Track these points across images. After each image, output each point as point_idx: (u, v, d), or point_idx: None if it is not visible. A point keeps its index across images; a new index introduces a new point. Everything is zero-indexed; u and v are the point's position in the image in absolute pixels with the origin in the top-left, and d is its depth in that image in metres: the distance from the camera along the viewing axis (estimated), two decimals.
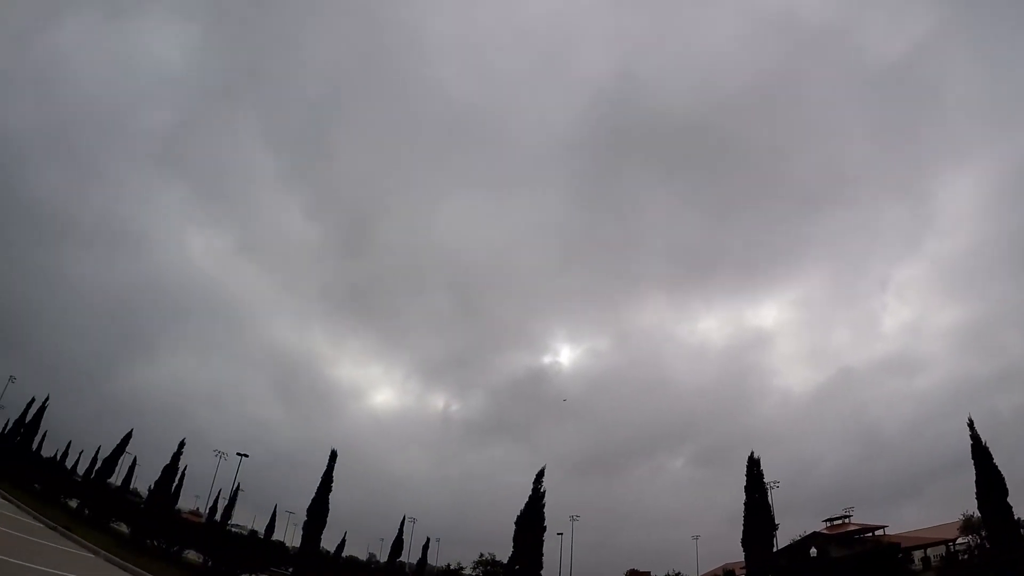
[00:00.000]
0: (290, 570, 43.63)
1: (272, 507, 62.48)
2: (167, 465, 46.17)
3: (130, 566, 28.17)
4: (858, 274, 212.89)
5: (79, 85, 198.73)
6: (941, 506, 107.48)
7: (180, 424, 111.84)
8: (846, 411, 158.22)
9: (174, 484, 46.69)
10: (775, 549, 35.04)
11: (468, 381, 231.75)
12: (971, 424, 30.11)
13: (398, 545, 55.42)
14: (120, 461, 54.37)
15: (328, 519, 39.62)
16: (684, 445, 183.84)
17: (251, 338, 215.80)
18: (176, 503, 50.22)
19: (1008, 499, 28.21)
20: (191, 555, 43.13)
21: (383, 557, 71.20)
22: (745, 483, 32.39)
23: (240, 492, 57.93)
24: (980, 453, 29.33)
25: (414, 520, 72.45)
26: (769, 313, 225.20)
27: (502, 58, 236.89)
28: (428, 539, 65.36)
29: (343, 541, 56.56)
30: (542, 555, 32.61)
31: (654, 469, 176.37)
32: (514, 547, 32.50)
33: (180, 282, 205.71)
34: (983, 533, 35.18)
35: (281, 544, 65.98)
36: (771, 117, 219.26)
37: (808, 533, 60.09)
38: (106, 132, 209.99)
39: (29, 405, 67.83)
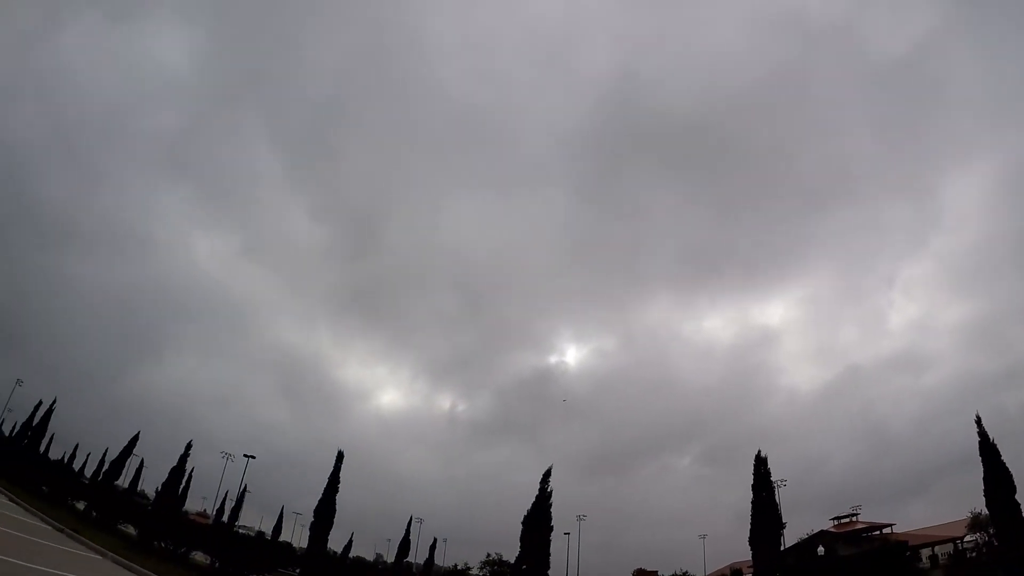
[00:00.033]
0: (297, 571, 43.79)
1: (279, 508, 62.49)
2: (174, 467, 46.27)
3: (138, 567, 28.27)
4: (864, 272, 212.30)
5: (82, 89, 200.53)
6: (949, 504, 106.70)
7: (187, 426, 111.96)
8: (853, 409, 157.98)
9: (181, 486, 46.70)
10: (782, 548, 35.04)
11: (474, 381, 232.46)
12: (978, 421, 29.92)
13: (405, 545, 55.44)
14: (127, 463, 54.50)
15: (335, 520, 39.62)
16: (691, 444, 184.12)
17: (257, 340, 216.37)
18: (183, 505, 50.20)
19: (1016, 496, 27.97)
20: (198, 556, 43.33)
21: (390, 557, 71.44)
22: (752, 482, 32.26)
23: (247, 493, 57.93)
24: (988, 450, 29.18)
25: (421, 520, 72.69)
26: (775, 311, 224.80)
27: (505, 58, 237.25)
28: (435, 539, 65.41)
29: (350, 542, 56.59)
30: (549, 555, 32.53)
31: (661, 468, 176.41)
32: (521, 547, 32.47)
33: (186, 284, 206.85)
34: (991, 530, 35.15)
35: (288, 545, 66.15)
36: (775, 115, 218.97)
37: (815, 531, 60.00)
38: (110, 135, 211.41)
39: (36, 408, 68.21)
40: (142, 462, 58.35)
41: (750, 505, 32.05)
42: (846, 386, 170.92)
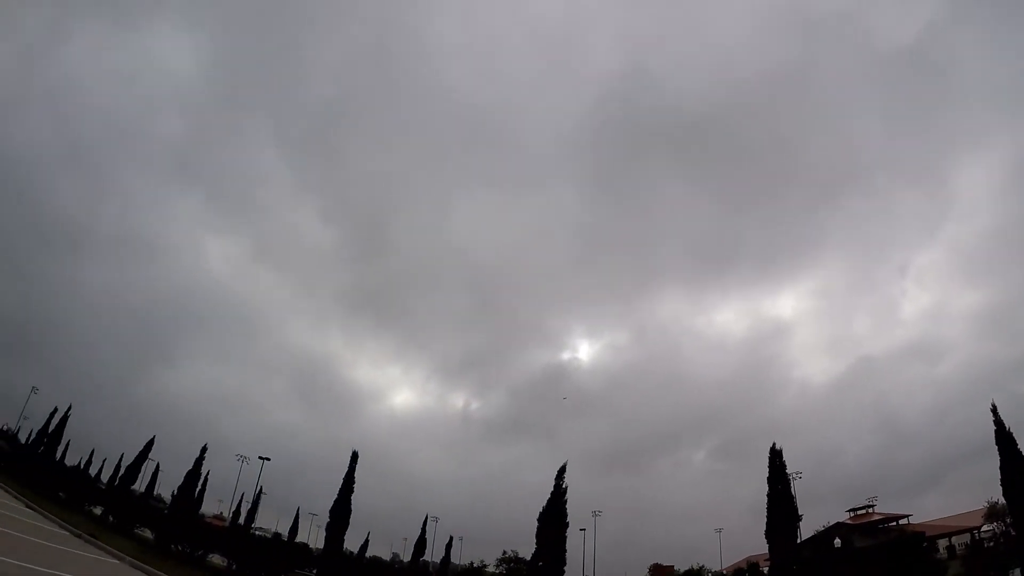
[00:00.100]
0: (314, 571, 44.05)
1: (295, 509, 62.73)
2: (190, 470, 46.52)
3: (155, 571, 28.56)
4: (876, 261, 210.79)
5: (89, 98, 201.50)
6: (965, 494, 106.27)
7: (202, 430, 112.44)
8: (867, 400, 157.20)
9: (197, 489, 46.92)
10: (799, 540, 34.92)
11: (488, 380, 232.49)
12: (994, 409, 29.67)
13: (421, 544, 55.50)
14: (143, 468, 54.90)
15: (351, 520, 39.80)
16: (705, 438, 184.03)
17: (269, 343, 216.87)
18: (199, 508, 50.48)
19: None
20: (216, 559, 43.64)
21: (407, 556, 71.39)
22: (768, 475, 32.22)
23: (263, 495, 58.19)
24: (1004, 439, 28.95)
25: (436, 519, 72.66)
26: (787, 303, 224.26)
27: (510, 57, 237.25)
28: (451, 538, 65.32)
29: (366, 541, 56.51)
30: (565, 551, 32.61)
31: (675, 463, 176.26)
32: (537, 544, 32.56)
33: (198, 289, 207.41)
34: (1008, 520, 34.89)
35: (305, 546, 66.37)
36: (782, 108, 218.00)
37: (832, 524, 59.76)
38: (118, 143, 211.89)
39: (52, 415, 68.79)
40: (158, 466, 58.71)
41: (766, 498, 31.99)
42: (859, 377, 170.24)
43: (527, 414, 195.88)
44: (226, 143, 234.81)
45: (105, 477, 66.61)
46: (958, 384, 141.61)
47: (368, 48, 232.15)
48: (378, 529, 65.05)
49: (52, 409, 69.56)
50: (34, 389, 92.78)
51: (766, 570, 41.38)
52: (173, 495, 47.94)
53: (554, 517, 32.52)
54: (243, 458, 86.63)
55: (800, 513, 32.62)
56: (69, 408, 67.37)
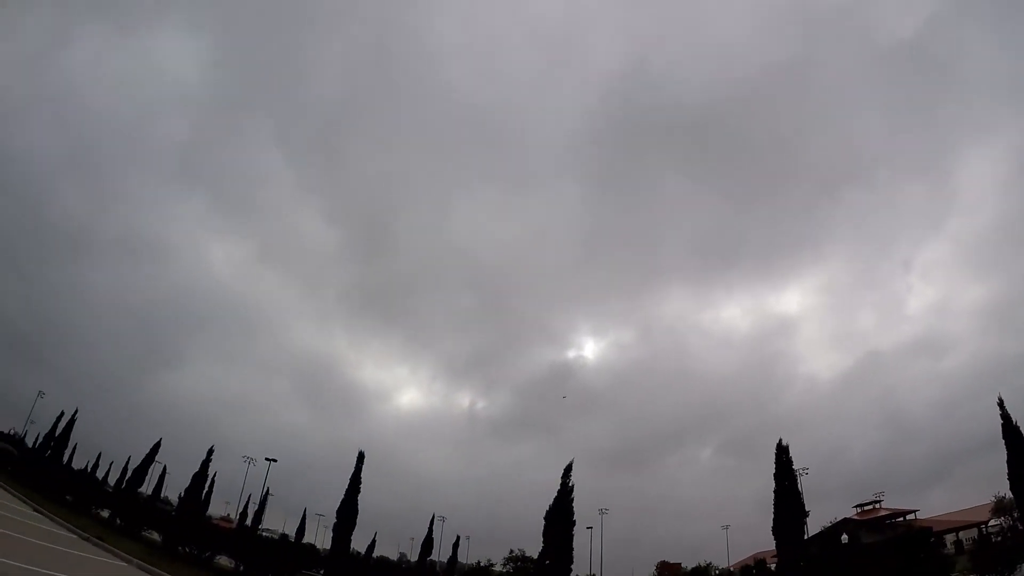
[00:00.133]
0: (321, 572, 44.06)
1: (302, 510, 62.86)
2: (196, 472, 46.59)
3: (162, 573, 28.63)
4: (881, 256, 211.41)
5: (93, 103, 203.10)
6: (972, 488, 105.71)
7: (208, 432, 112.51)
8: (873, 395, 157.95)
9: (204, 491, 47.03)
10: (806, 537, 34.83)
11: (493, 379, 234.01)
12: (1001, 403, 29.39)
13: (428, 544, 55.69)
14: (150, 470, 55.02)
15: (358, 520, 39.84)
16: (711, 435, 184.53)
17: (275, 344, 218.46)
18: (207, 510, 50.63)
19: None
20: (223, 560, 43.73)
21: (414, 556, 71.73)
22: (774, 471, 32.08)
23: (270, 496, 58.38)
24: (1011, 433, 28.71)
25: (443, 519, 72.95)
26: (793, 299, 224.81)
27: (511, 56, 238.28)
28: (458, 537, 65.53)
29: (373, 541, 56.68)
30: (572, 549, 32.55)
31: (682, 460, 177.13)
32: (544, 542, 32.51)
33: (202, 291, 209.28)
34: (1015, 514, 34.77)
35: (312, 547, 66.55)
36: (785, 103, 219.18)
37: (839, 520, 59.70)
38: (121, 146, 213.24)
39: (58, 419, 69.16)
40: (164, 468, 58.81)
41: (772, 495, 31.88)
42: (866, 372, 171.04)
43: (533, 413, 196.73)
44: (228, 145, 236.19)
45: (112, 480, 67.03)
46: (964, 378, 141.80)
47: (369, 48, 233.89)
48: (385, 529, 65.45)
49: (59, 413, 70.05)
50: (40, 393, 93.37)
51: (773, 567, 41.26)
52: (180, 497, 48.06)
53: (561, 515, 32.49)
54: (249, 459, 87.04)
55: (807, 509, 32.52)
56: (75, 412, 67.73)
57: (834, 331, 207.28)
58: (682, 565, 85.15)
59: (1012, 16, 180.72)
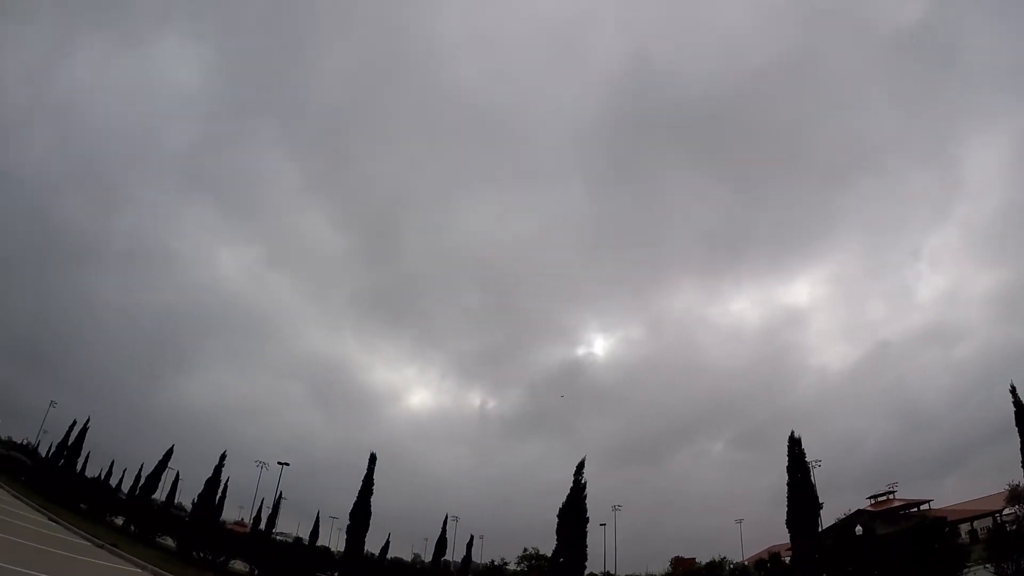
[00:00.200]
0: (336, 574, 44.14)
1: (315, 513, 63.02)
2: (210, 478, 46.82)
3: None
4: (889, 245, 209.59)
5: (97, 111, 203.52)
6: (986, 477, 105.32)
7: (220, 437, 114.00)
8: (885, 385, 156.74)
9: (217, 496, 47.21)
10: (820, 529, 34.73)
11: (503, 377, 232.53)
12: (1013, 391, 29.11)
13: (442, 544, 55.77)
14: (163, 476, 55.31)
15: (371, 522, 40.05)
16: (723, 429, 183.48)
17: (285, 348, 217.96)
18: (220, 515, 50.73)
19: None
20: (237, 564, 44.02)
21: (428, 557, 71.72)
22: (787, 464, 32.02)
23: (283, 500, 58.62)
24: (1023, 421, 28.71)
25: (457, 519, 73.01)
26: (802, 290, 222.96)
27: (515, 54, 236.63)
28: (472, 536, 65.59)
29: (387, 543, 56.73)
30: (586, 546, 32.55)
31: (694, 455, 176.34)
32: (557, 540, 32.53)
33: (212, 297, 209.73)
34: None
35: (326, 549, 66.59)
36: (790, 93, 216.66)
37: (853, 511, 59.47)
38: (130, 156, 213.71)
39: (71, 428, 69.31)
40: (177, 475, 59.00)
41: (786, 487, 31.82)
42: (877, 363, 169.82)
43: (544, 411, 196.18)
44: (234, 151, 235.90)
45: (126, 487, 67.22)
46: (976, 367, 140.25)
47: (373, 49, 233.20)
48: (398, 531, 65.47)
49: (71, 422, 70.24)
50: (52, 403, 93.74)
51: (788, 560, 41.17)
52: (193, 503, 48.23)
53: (574, 513, 32.51)
54: (262, 464, 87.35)
55: (821, 501, 32.47)
56: (88, 420, 67.84)
57: (844, 322, 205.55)
58: (696, 560, 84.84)
59: (1016, 2, 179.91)
